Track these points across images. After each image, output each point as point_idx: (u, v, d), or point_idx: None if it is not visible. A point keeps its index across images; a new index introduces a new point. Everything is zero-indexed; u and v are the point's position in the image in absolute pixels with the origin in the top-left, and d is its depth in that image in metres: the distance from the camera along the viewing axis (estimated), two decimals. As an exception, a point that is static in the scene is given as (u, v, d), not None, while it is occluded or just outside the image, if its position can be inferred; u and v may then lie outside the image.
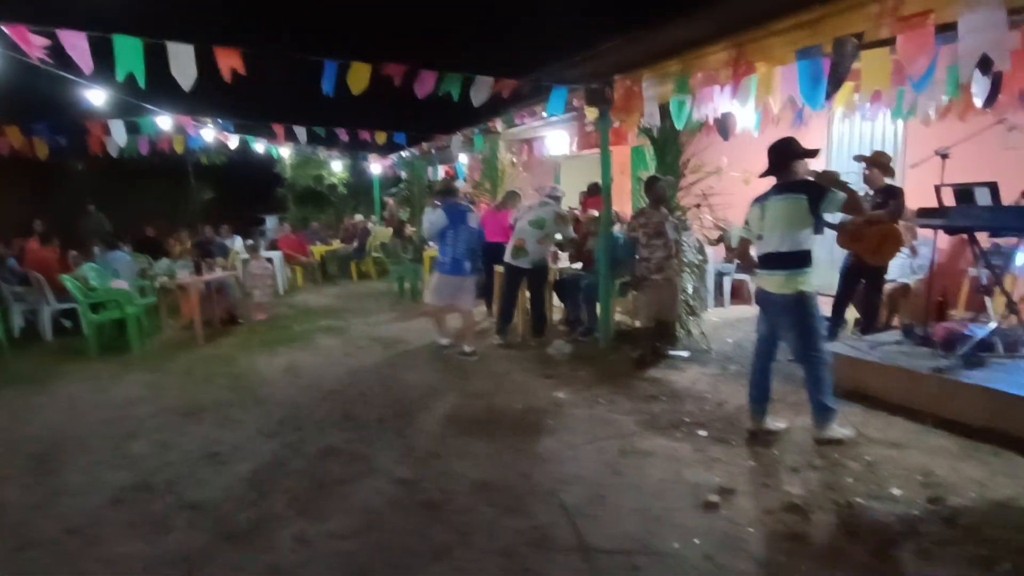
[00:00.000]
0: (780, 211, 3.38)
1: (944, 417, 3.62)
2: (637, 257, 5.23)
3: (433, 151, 10.20)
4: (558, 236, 6.37)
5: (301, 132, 8.03)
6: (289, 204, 15.63)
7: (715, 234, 6.44)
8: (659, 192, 5.22)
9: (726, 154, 6.01)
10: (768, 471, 3.20)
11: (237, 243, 10.43)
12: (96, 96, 6.23)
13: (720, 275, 7.59)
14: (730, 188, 5.74)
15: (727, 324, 6.61)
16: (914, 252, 5.70)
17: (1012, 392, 3.37)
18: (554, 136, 9.28)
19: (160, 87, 4.80)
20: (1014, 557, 2.33)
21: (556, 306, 6.87)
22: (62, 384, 5.25)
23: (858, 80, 4.21)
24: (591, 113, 5.91)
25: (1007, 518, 2.63)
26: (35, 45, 4.08)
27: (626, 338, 5.83)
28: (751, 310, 6.27)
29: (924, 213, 4.06)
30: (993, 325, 4.04)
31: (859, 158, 5.14)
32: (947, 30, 3.09)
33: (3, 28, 3.94)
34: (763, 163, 3.55)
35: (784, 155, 3.46)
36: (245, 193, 16.92)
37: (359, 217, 13.42)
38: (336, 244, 12.60)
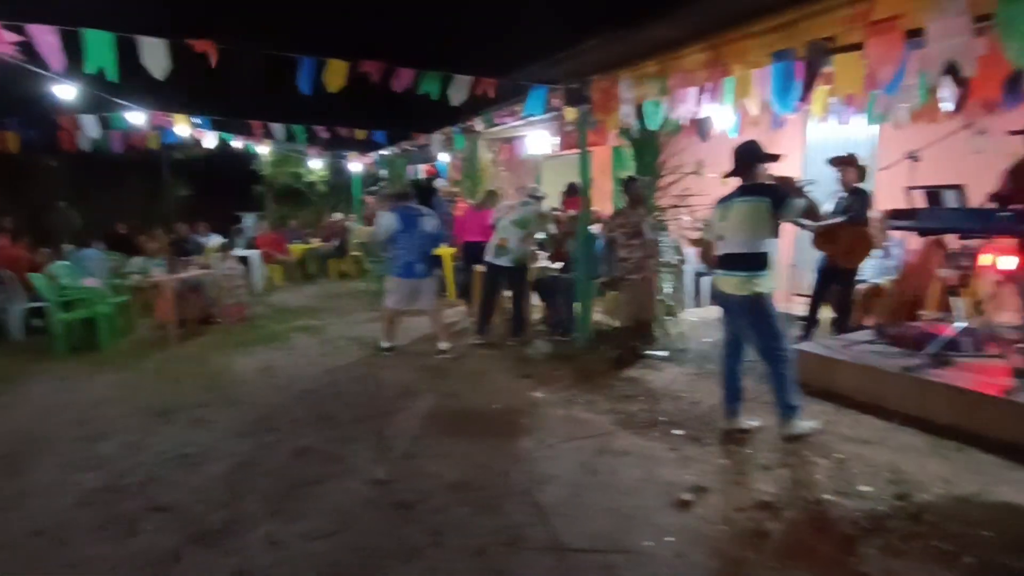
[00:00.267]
0: (742, 213, 3.43)
1: (913, 415, 3.69)
2: (615, 257, 5.26)
3: (414, 150, 10.15)
4: (541, 235, 6.38)
5: (279, 129, 7.94)
6: (267, 202, 15.42)
7: (693, 234, 6.49)
8: (637, 192, 5.25)
9: (704, 155, 6.06)
10: (741, 469, 3.24)
11: (213, 241, 10.29)
12: (66, 91, 6.10)
13: (698, 275, 7.65)
14: (708, 188, 5.78)
15: (705, 324, 6.66)
16: (887, 253, 5.81)
17: (975, 390, 3.45)
18: (535, 136, 9.28)
19: (133, 82, 4.72)
20: (976, 551, 2.38)
21: (536, 305, 6.88)
22: (31, 384, 5.14)
23: (832, 84, 4.28)
24: (570, 113, 5.93)
25: (970, 513, 2.68)
26: (3, 40, 3.99)
27: (605, 338, 5.85)
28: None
29: (894, 215, 4.13)
30: (960, 325, 4.12)
31: (833, 160, 5.22)
32: (917, 35, 3.16)
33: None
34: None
35: (748, 158, 3.51)
36: (223, 190, 16.68)
37: (339, 216, 13.32)
38: (315, 243, 12.49)
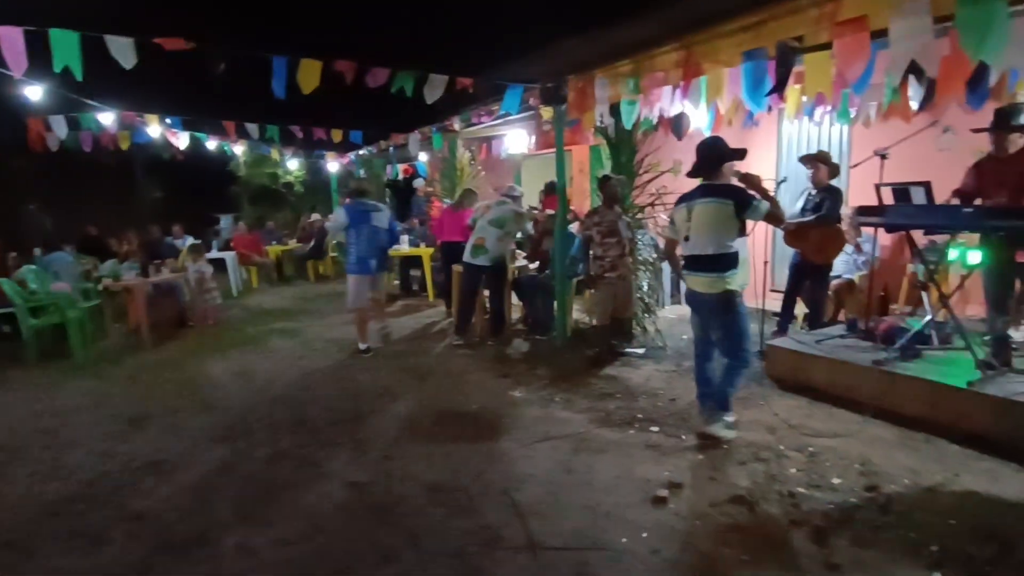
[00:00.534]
0: (707, 214, 3.39)
1: (883, 407, 3.76)
2: (592, 256, 5.28)
3: (391, 149, 10.09)
4: (518, 234, 6.39)
5: (253, 129, 7.83)
6: (243, 203, 15.22)
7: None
8: (612, 191, 5.28)
9: (680, 153, 6.11)
10: (716, 465, 3.27)
11: (187, 243, 10.15)
12: (33, 92, 5.95)
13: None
14: (685, 186, 5.82)
15: (682, 321, 6.70)
16: (859, 249, 5.91)
17: (942, 382, 3.53)
18: (513, 135, 9.28)
19: (104, 82, 4.64)
20: (941, 540, 2.44)
21: (515, 304, 6.89)
22: (-2, 392, 5.02)
23: (803, 83, 4.33)
24: (547, 112, 5.94)
25: (936, 503, 2.74)
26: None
27: (583, 336, 5.88)
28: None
29: (864, 211, 4.20)
30: (928, 319, 4.21)
31: (803, 158, 5.30)
32: (883, 35, 3.21)
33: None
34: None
35: (713, 157, 3.48)
36: (197, 192, 16.44)
37: (316, 216, 13.19)
38: (293, 244, 12.37)
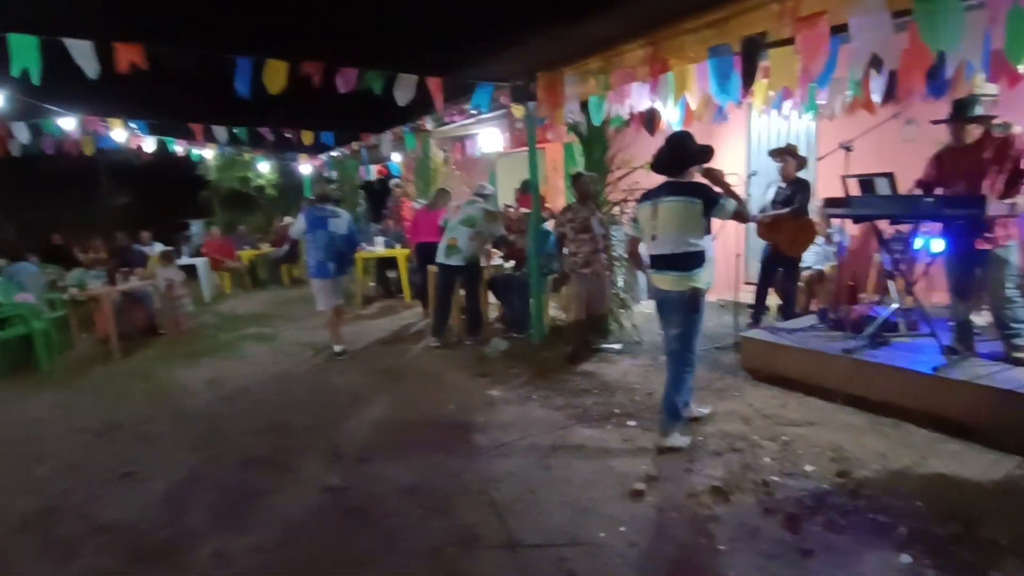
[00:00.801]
0: (674, 212, 3.31)
1: (853, 394, 3.84)
2: (565, 252, 5.30)
3: (363, 150, 10.00)
4: (494, 233, 6.36)
5: (221, 132, 7.70)
6: (214, 207, 14.94)
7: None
8: (584, 187, 5.30)
9: (652, 149, 6.13)
10: (692, 456, 3.30)
11: (156, 250, 9.96)
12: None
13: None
14: (657, 182, 5.87)
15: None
16: (829, 240, 6.02)
17: (909, 368, 3.61)
18: (486, 134, 9.28)
19: (64, 87, 4.53)
20: (909, 522, 2.50)
21: (493, 303, 6.87)
22: (-41, 407, 4.87)
23: (769, 78, 4.40)
24: (518, 110, 5.94)
25: (904, 486, 2.81)
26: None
27: (560, 333, 5.89)
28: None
29: (831, 203, 4.28)
30: (895, 306, 4.31)
31: (772, 152, 5.38)
32: (843, 31, 3.28)
33: None
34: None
35: (682, 158, 3.40)
36: (166, 197, 16.11)
37: (289, 219, 13.00)
38: (266, 248, 12.20)
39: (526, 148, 5.91)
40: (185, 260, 10.27)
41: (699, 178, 3.44)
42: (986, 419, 3.21)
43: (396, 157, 11.01)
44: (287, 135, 7.95)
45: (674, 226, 3.31)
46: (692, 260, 3.30)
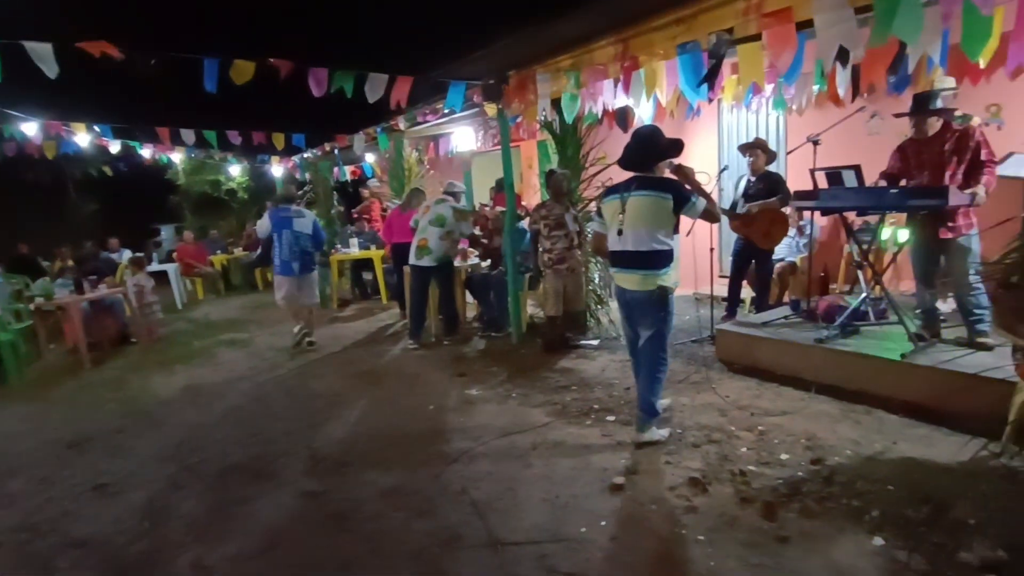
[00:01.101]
0: (644, 208, 3.23)
1: (827, 383, 3.91)
2: (540, 249, 5.32)
3: (336, 151, 9.88)
4: (463, 232, 6.35)
5: (189, 135, 7.54)
6: (185, 212, 14.64)
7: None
8: (558, 184, 5.32)
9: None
10: (671, 449, 3.34)
11: (125, 257, 9.75)
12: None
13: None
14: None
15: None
16: (801, 232, 6.13)
17: (878, 356, 3.69)
18: (460, 133, 9.24)
19: (24, 91, 4.41)
20: (881, 506, 2.56)
21: (471, 303, 6.87)
22: (-79, 424, 4.71)
23: (738, 74, 4.46)
24: (491, 109, 5.94)
25: (876, 471, 2.87)
26: None
27: (538, 331, 5.91)
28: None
29: (800, 196, 4.36)
30: (864, 296, 4.40)
31: (742, 147, 5.46)
32: (809, 26, 3.33)
33: None
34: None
35: (652, 154, 3.32)
36: (134, 203, 15.76)
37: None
38: (239, 252, 12.01)
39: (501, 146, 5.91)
40: (155, 267, 10.07)
41: (668, 174, 3.40)
42: (952, 403, 3.29)
43: (370, 158, 10.90)
44: (256, 139, 7.79)
45: (644, 222, 3.23)
46: (660, 259, 3.24)
